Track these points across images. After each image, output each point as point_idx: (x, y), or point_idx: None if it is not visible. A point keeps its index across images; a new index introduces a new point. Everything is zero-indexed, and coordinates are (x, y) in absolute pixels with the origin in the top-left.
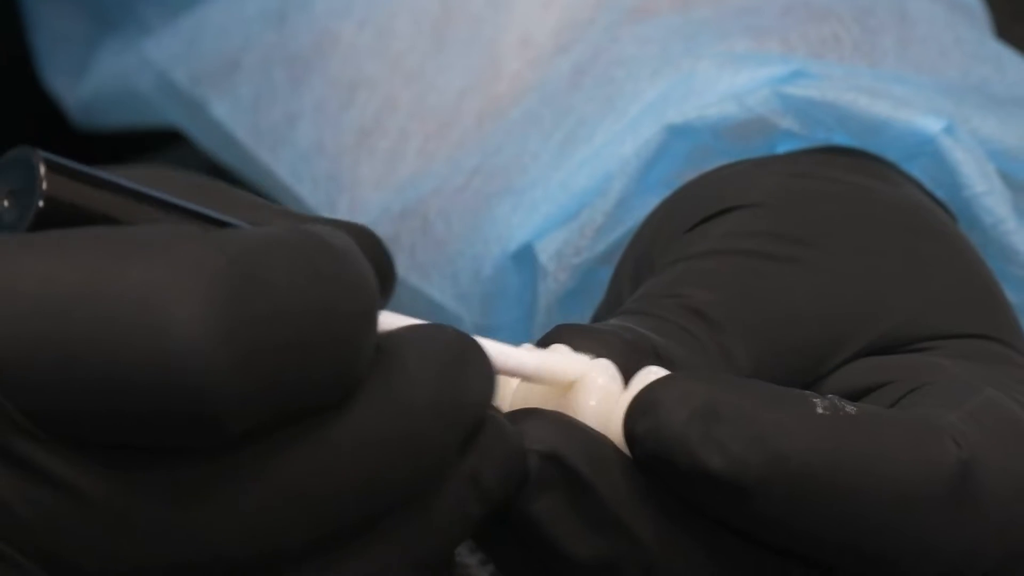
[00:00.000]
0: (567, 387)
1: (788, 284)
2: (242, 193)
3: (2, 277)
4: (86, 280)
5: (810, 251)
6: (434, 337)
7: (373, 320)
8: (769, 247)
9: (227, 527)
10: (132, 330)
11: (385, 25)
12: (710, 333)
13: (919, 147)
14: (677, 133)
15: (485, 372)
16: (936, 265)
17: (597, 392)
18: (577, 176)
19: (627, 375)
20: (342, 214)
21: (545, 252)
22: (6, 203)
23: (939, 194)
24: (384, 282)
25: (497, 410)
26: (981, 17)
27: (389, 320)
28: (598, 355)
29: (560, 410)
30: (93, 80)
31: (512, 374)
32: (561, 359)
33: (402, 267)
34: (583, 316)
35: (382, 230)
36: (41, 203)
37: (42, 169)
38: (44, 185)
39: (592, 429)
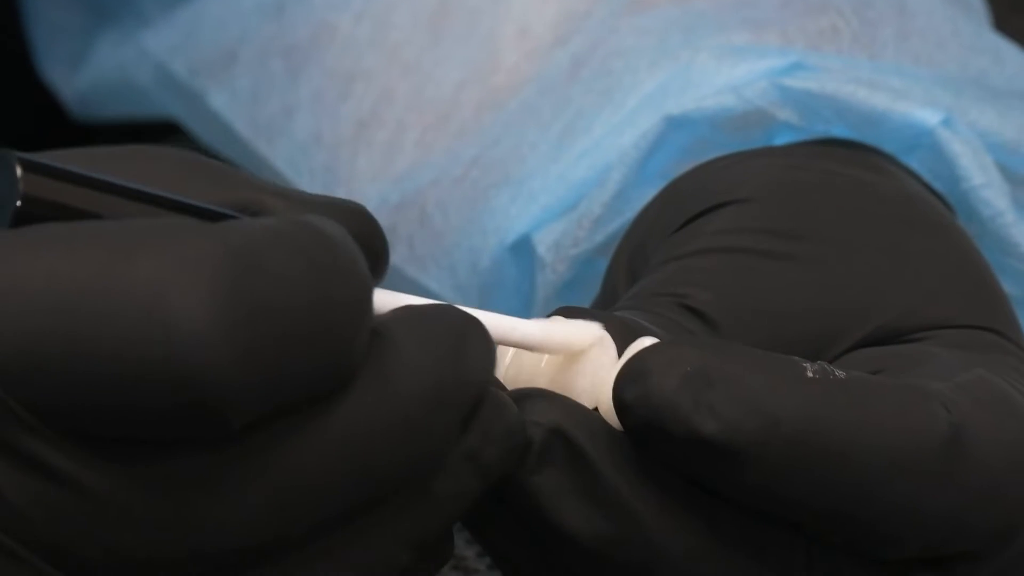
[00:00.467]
0: (570, 357)
1: (782, 280)
2: (238, 172)
3: (5, 273)
4: (91, 275)
5: (803, 246)
6: (433, 319)
7: (368, 309)
8: (762, 243)
9: (229, 518)
10: (137, 324)
11: (383, 17)
12: (707, 331)
13: (917, 139)
14: (675, 125)
15: (485, 350)
16: (931, 257)
17: (593, 370)
18: (575, 168)
19: None
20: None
21: (543, 243)
22: None
23: (937, 186)
24: (377, 262)
25: (497, 384)
26: (979, 9)
27: (386, 299)
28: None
29: (557, 385)
30: (91, 72)
31: (518, 346)
32: (565, 328)
33: (400, 258)
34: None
35: (380, 222)
36: (19, 203)
37: (19, 170)
38: (21, 186)
39: (589, 409)
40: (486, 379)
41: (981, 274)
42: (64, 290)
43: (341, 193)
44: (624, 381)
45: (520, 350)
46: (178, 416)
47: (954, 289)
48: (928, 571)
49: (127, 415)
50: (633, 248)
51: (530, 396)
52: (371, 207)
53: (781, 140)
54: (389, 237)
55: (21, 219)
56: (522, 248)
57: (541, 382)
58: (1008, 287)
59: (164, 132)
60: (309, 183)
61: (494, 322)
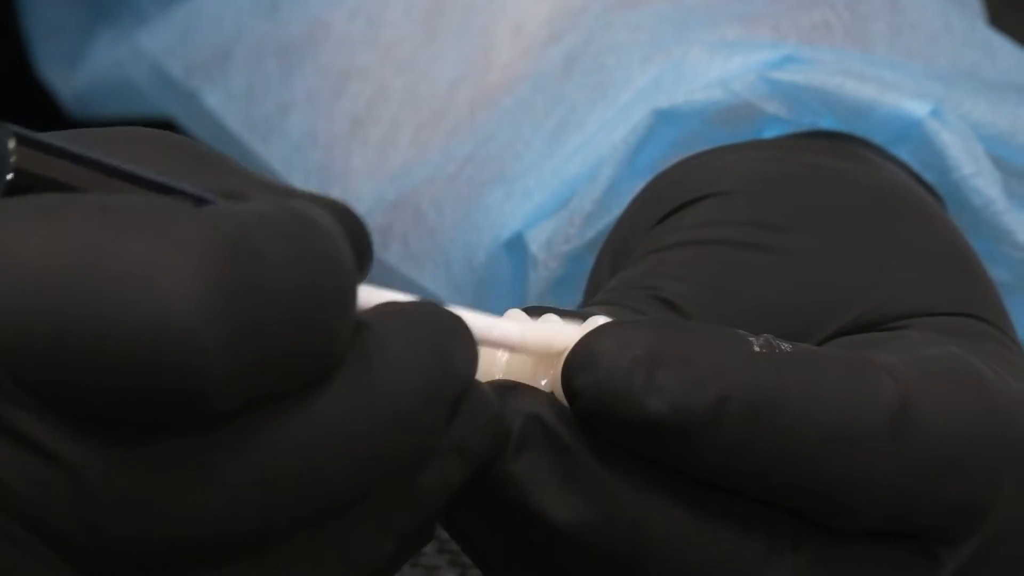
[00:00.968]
0: (555, 356)
1: (760, 272)
2: (227, 160)
3: None
4: (83, 252)
5: (782, 237)
6: (417, 315)
7: (353, 299)
8: (740, 235)
9: (212, 503)
10: (128, 305)
11: (377, 14)
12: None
13: (906, 130)
14: (664, 118)
15: (469, 346)
16: (913, 245)
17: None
18: (569, 163)
19: None
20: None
21: (535, 241)
22: None
23: (927, 177)
24: (361, 258)
25: (478, 381)
26: (973, 4)
27: (371, 295)
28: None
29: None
30: (87, 71)
31: (497, 346)
32: (545, 328)
33: (395, 256)
34: (574, 303)
35: (375, 219)
36: (11, 175)
37: (11, 143)
38: (14, 158)
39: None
40: (470, 373)
41: (965, 262)
42: (55, 266)
43: (336, 191)
44: (572, 369)
45: (510, 356)
46: (165, 398)
47: (937, 277)
48: (908, 550)
49: (113, 395)
50: (616, 244)
51: (508, 388)
52: (366, 205)
53: (770, 133)
54: (384, 235)
55: (12, 192)
56: (517, 245)
57: (536, 377)
58: (1002, 275)
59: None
60: (304, 181)
61: (474, 320)
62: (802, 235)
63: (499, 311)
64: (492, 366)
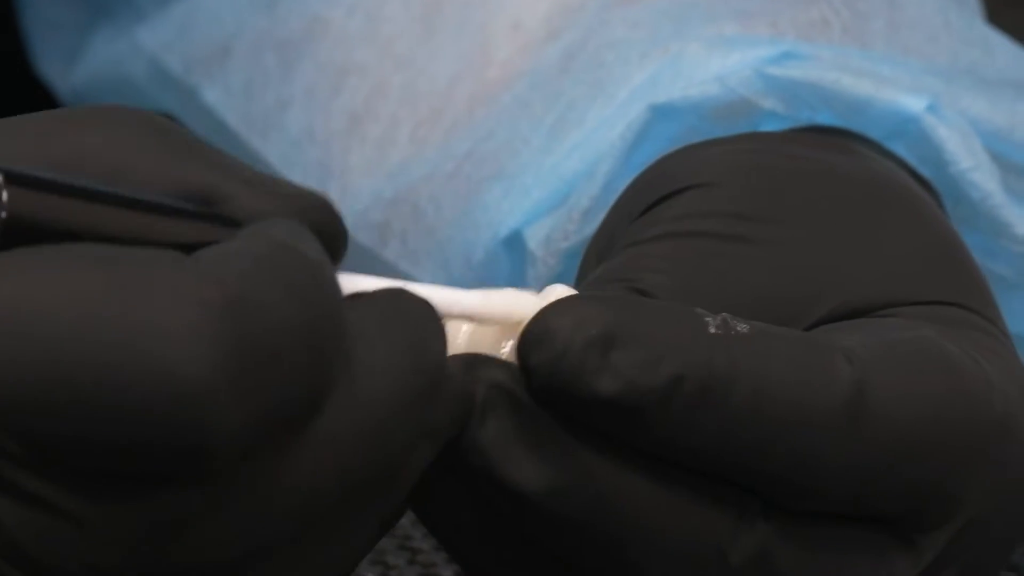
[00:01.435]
0: (516, 325)
1: (741, 265)
2: (199, 145)
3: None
4: (89, 311)
5: (764, 228)
6: (391, 311)
7: (344, 329)
8: (722, 226)
9: (214, 543)
10: (137, 368)
11: (375, 11)
12: None
13: (903, 126)
14: (661, 114)
15: (441, 335)
16: (896, 234)
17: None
18: (567, 160)
19: None
20: (332, 200)
21: (534, 239)
22: None
23: (924, 172)
24: (335, 252)
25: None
26: (971, 2)
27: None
28: None
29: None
30: (86, 67)
31: (460, 317)
32: (505, 298)
33: (393, 253)
34: None
35: (373, 216)
36: (3, 214)
37: (4, 193)
38: (4, 196)
39: None
40: (442, 363)
41: (952, 251)
42: (60, 331)
43: (334, 188)
44: (527, 345)
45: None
46: (174, 455)
47: (921, 266)
48: (883, 533)
49: (123, 456)
50: (602, 239)
51: (470, 359)
52: (364, 202)
53: (767, 129)
54: (382, 232)
55: (4, 232)
56: (515, 242)
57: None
58: (1002, 269)
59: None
60: (302, 177)
61: (437, 296)
62: (784, 226)
63: None
64: (456, 338)
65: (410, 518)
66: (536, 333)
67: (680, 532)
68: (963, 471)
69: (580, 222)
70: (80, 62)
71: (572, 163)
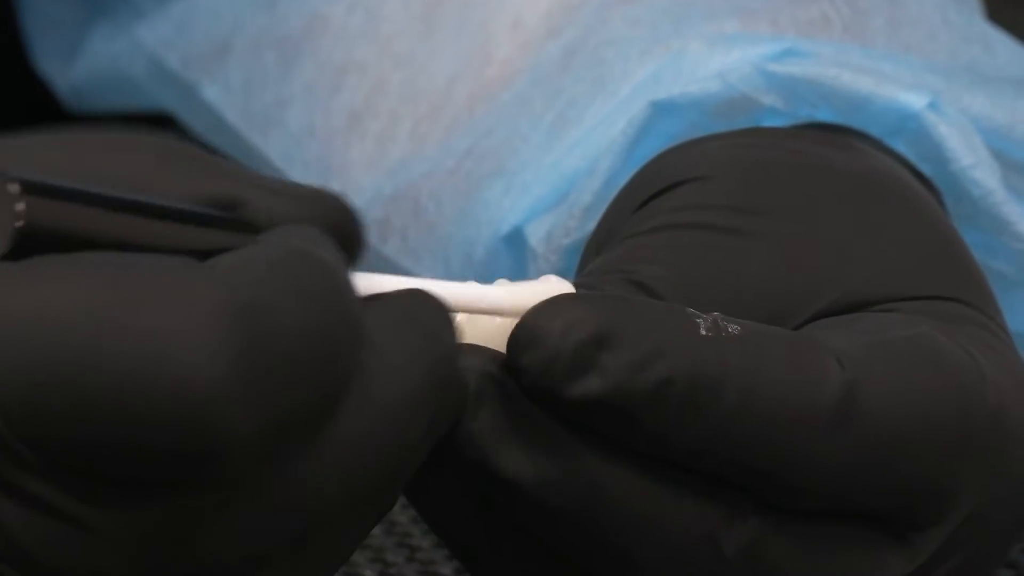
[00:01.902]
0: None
1: (737, 257)
2: (215, 160)
3: (13, 314)
4: (106, 320)
5: (761, 221)
6: (408, 315)
7: (359, 335)
8: (719, 219)
9: (224, 545)
10: (148, 380)
11: (375, 8)
12: None
13: (903, 123)
14: (661, 111)
15: (454, 336)
16: (893, 230)
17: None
18: (568, 158)
19: None
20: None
21: (535, 236)
22: None
23: (925, 169)
24: (353, 248)
25: None
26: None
27: (359, 282)
28: None
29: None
30: (85, 64)
31: (488, 312)
32: (529, 289)
33: (394, 250)
34: None
35: (373, 213)
36: (20, 223)
37: (14, 187)
38: (21, 206)
39: None
40: (455, 365)
41: (949, 247)
42: (74, 339)
43: (334, 184)
44: (518, 345)
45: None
46: (186, 463)
47: (918, 261)
48: (878, 530)
49: (134, 462)
50: (601, 234)
51: (464, 349)
52: (365, 199)
53: (767, 125)
54: (383, 229)
55: (20, 241)
56: (516, 239)
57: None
58: (1003, 266)
59: (158, 124)
60: (303, 175)
61: (461, 292)
62: (781, 220)
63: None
64: (486, 331)
65: (409, 515)
66: (526, 334)
67: (673, 522)
68: (957, 469)
69: (581, 219)
70: (79, 59)
71: (573, 160)
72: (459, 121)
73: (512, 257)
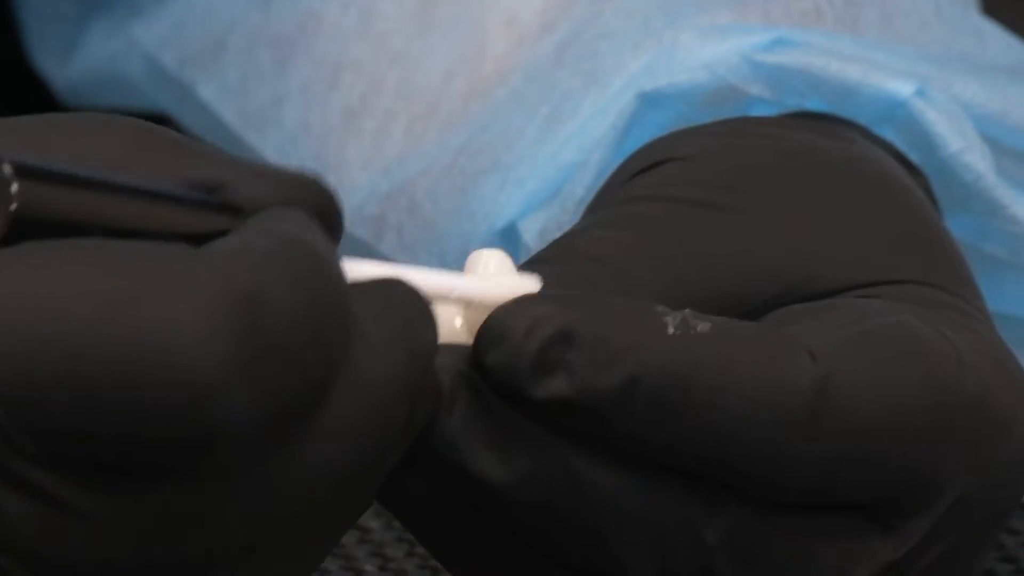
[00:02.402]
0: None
1: (708, 228)
2: (193, 143)
3: (10, 301)
4: (105, 307)
5: (734, 198)
6: (388, 302)
7: (349, 324)
8: (693, 193)
9: (223, 532)
10: (148, 368)
11: (369, 6)
12: (612, 279)
13: (891, 110)
14: (649, 102)
15: (431, 325)
16: (870, 215)
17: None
18: (563, 151)
19: None
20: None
21: (529, 231)
22: None
23: (914, 156)
24: (333, 228)
25: None
26: None
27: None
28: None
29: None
30: (82, 62)
31: (459, 301)
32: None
33: (390, 247)
34: None
35: (369, 210)
36: (14, 206)
37: (7, 168)
38: (14, 187)
39: None
40: (434, 353)
41: (926, 232)
42: (72, 327)
43: (330, 182)
44: (484, 343)
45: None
46: (186, 451)
47: (895, 246)
48: (863, 518)
49: (133, 450)
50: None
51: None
52: (361, 196)
53: (756, 114)
54: (379, 226)
55: (16, 226)
56: (511, 234)
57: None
58: (994, 249)
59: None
60: None
61: (434, 281)
62: (756, 198)
63: None
64: (452, 323)
65: None
66: (491, 333)
67: (652, 512)
68: (940, 459)
69: (574, 213)
70: (76, 57)
71: (567, 154)
72: (455, 118)
73: (508, 252)
